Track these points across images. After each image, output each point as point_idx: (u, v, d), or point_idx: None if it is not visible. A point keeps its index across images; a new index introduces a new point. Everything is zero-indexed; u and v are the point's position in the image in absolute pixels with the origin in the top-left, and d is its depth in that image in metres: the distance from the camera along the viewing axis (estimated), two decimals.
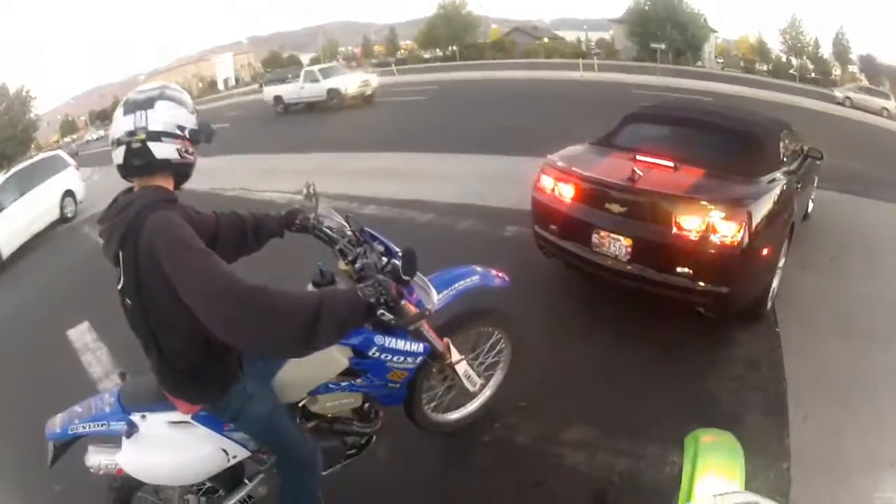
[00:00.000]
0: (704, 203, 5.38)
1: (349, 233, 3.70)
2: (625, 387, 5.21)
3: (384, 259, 3.52)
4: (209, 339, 2.75)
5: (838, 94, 35.34)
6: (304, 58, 77.16)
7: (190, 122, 2.80)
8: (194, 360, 2.85)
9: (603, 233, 5.97)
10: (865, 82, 41.93)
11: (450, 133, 20.31)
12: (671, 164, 5.91)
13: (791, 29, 52.85)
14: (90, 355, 8.46)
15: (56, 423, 3.57)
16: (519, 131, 18.29)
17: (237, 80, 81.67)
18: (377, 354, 3.61)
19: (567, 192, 6.42)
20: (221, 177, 15.54)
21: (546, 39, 69.22)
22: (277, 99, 36.24)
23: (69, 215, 18.49)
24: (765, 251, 5.68)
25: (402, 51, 73.02)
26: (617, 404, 4.98)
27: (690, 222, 5.41)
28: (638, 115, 7.47)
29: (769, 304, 6.23)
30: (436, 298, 3.63)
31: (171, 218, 2.61)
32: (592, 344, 5.92)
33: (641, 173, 5.78)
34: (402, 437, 4.57)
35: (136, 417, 3.38)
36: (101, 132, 53.94)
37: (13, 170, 19.05)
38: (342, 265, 3.60)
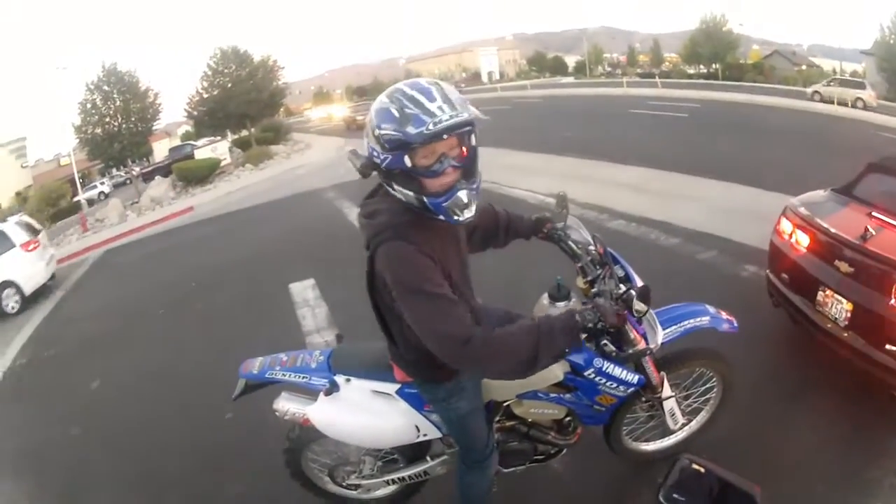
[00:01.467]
0: None
1: (593, 251, 3.68)
2: (799, 455, 5.02)
3: (622, 287, 3.41)
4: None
5: None
6: (569, 60, 77.63)
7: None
8: (424, 351, 2.84)
9: (829, 291, 5.54)
10: None
11: (706, 155, 19.77)
12: None
13: None
14: (307, 310, 9.23)
15: (255, 365, 3.98)
16: (771, 163, 17.52)
17: (501, 75, 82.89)
18: (592, 376, 3.64)
19: (803, 240, 6.09)
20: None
21: (804, 67, 66.97)
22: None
23: (10, 311, 16.08)
24: None
25: (667, 63, 72.33)
26: (784, 474, 4.69)
27: None
28: (880, 166, 6.75)
29: None
30: (660, 338, 3.61)
31: (402, 253, 2.67)
32: (794, 410, 5.62)
33: (874, 232, 5.38)
34: (583, 455, 4.60)
35: (340, 379, 3.70)
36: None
37: None
38: (580, 282, 3.67)
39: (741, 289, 8.23)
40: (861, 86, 43.62)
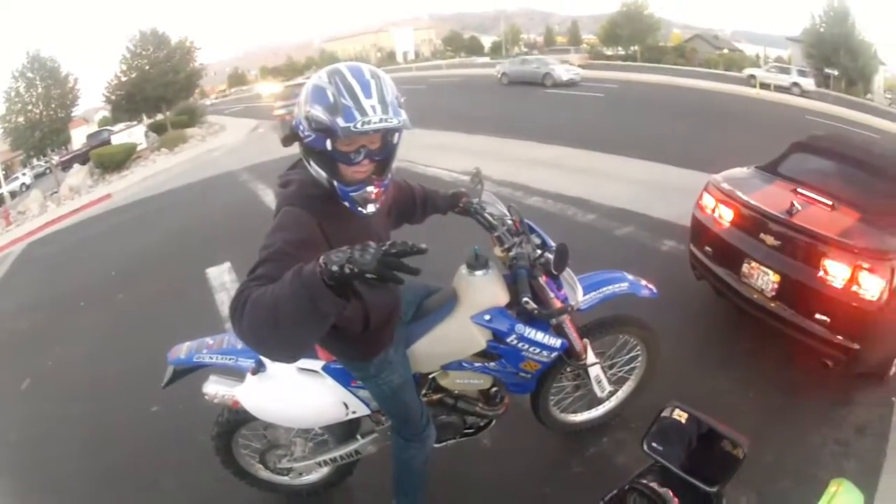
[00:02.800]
0: (852, 250, 5.11)
1: (509, 221, 3.81)
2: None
3: (538, 251, 3.62)
4: (369, 314, 3.05)
5: None
6: (486, 40, 77.74)
7: None
8: (353, 328, 2.96)
9: (753, 263, 5.84)
10: None
11: (623, 134, 19.98)
12: (830, 202, 5.76)
13: None
14: (225, 294, 9.16)
15: (182, 350, 3.93)
16: (690, 142, 18.21)
17: (416, 55, 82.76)
18: (515, 342, 3.73)
19: (726, 215, 6.34)
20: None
21: (726, 51, 67.93)
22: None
23: None
24: None
25: (585, 45, 72.74)
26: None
27: (836, 268, 5.19)
28: (806, 145, 7.16)
29: (893, 370, 5.76)
30: (581, 296, 3.84)
31: (294, 215, 2.65)
32: (722, 377, 5.84)
33: (800, 207, 5.65)
34: (511, 430, 4.70)
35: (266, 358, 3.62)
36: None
37: None
38: (498, 251, 3.75)
39: (661, 262, 8.50)
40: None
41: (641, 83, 40.74)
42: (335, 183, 2.69)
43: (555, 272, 3.48)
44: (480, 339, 3.70)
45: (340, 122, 2.49)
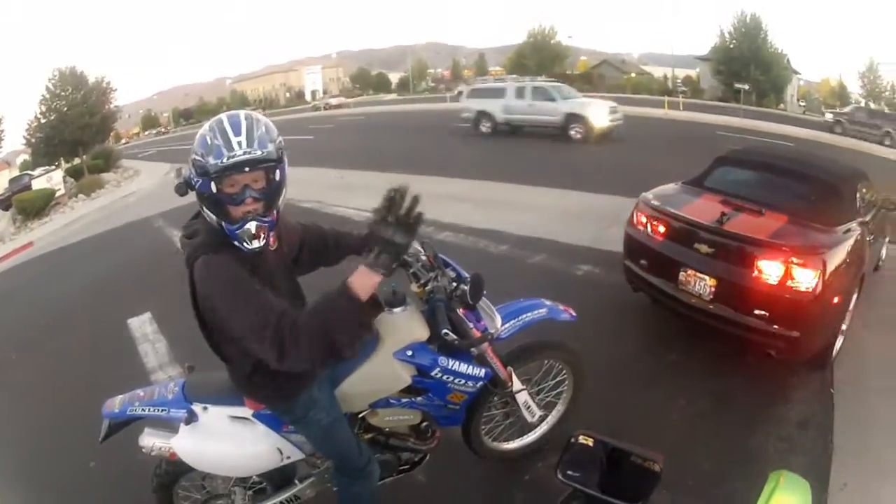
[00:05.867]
0: (785, 249, 5.76)
1: (423, 257, 3.84)
2: (673, 438, 5.30)
3: (454, 284, 3.74)
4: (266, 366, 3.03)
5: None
6: (393, 76, 77.90)
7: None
8: (261, 365, 2.95)
9: (690, 271, 6.39)
10: None
11: (531, 164, 20.74)
12: (757, 209, 6.39)
13: (869, 73, 52.43)
14: (148, 345, 8.97)
15: (115, 404, 3.89)
16: (602, 168, 18.79)
17: (325, 93, 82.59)
18: (439, 375, 3.82)
19: (659, 229, 6.87)
20: (299, 188, 14.41)
21: (633, 74, 69.04)
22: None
23: None
24: (835, 299, 5.98)
25: (491, 76, 73.24)
26: (667, 455, 4.90)
27: (771, 267, 5.80)
28: (728, 159, 7.92)
29: (835, 354, 6.48)
30: (499, 324, 3.92)
31: (216, 262, 2.86)
32: (652, 391, 6.08)
33: (729, 216, 6.26)
34: (446, 463, 4.69)
35: (197, 408, 3.68)
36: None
37: None
38: (415, 287, 3.84)
39: (578, 286, 8.82)
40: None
41: None
42: (223, 224, 2.88)
43: (471, 302, 3.65)
44: (405, 375, 3.77)
45: (211, 160, 2.75)
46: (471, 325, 3.69)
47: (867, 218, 7.15)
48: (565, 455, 2.58)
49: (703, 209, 6.63)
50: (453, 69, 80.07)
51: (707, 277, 6.28)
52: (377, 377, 3.76)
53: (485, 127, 30.30)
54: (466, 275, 3.83)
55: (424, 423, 4.13)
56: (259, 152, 2.79)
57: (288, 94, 79.66)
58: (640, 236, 7.19)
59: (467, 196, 15.83)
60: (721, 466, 4.89)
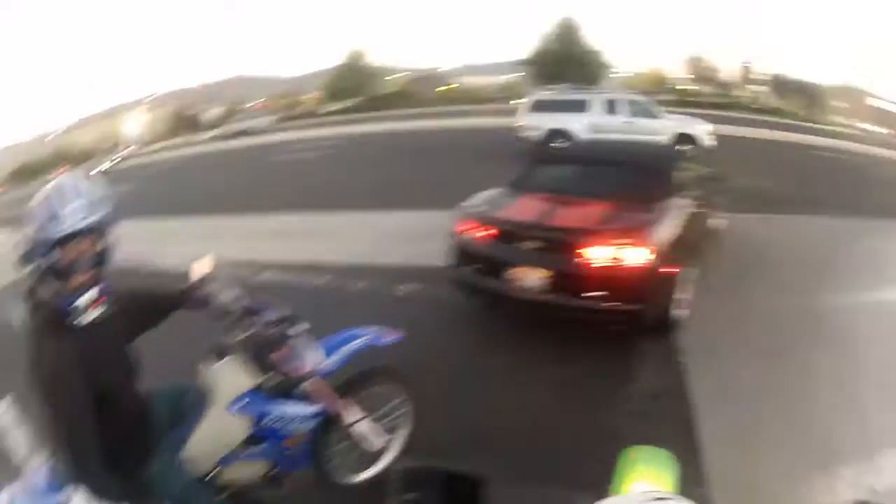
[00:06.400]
0: (611, 233, 6.07)
1: (240, 304, 3.80)
2: (528, 432, 5.30)
3: (271, 327, 3.73)
4: (104, 441, 2.96)
5: None
6: (208, 114, 76.69)
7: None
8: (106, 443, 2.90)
9: (518, 268, 6.52)
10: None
11: (347, 190, 20.13)
12: (578, 200, 6.68)
13: (696, 59, 54.46)
14: (13, 434, 8.61)
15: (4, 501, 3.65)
16: (418, 184, 18.72)
17: (145, 138, 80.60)
18: (273, 421, 3.79)
19: (482, 234, 6.95)
20: (122, 244, 14.39)
21: (449, 86, 69.69)
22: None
23: None
24: (669, 270, 6.42)
25: (306, 105, 72.72)
26: (520, 454, 4.97)
27: (601, 251, 6.02)
28: (543, 158, 8.21)
29: (678, 320, 6.84)
30: (319, 360, 3.92)
31: (50, 349, 2.78)
32: (497, 392, 6.04)
33: (552, 211, 6.51)
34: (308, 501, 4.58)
35: (63, 497, 3.35)
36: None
37: None
38: (236, 337, 3.77)
39: (400, 306, 8.68)
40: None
41: (364, 133, 40.68)
42: (58, 298, 2.78)
43: (289, 343, 3.64)
44: (242, 427, 3.74)
45: (41, 234, 2.67)
46: (293, 364, 3.69)
47: (694, 191, 7.59)
48: (394, 489, 2.24)
49: (525, 208, 6.84)
50: (267, 101, 79.56)
51: (537, 271, 6.41)
52: (216, 434, 3.66)
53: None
54: (282, 314, 3.82)
55: (274, 470, 4.03)
56: (87, 220, 2.72)
57: (111, 143, 77.66)
58: (466, 243, 7.22)
59: (284, 230, 15.18)
60: (580, 452, 4.86)
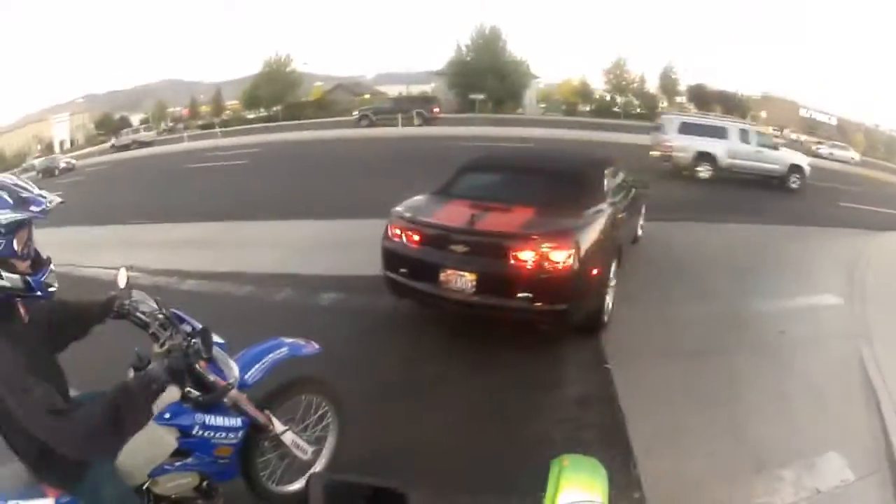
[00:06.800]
0: (537, 236, 6.37)
1: (160, 316, 3.78)
2: (452, 442, 5.28)
3: (189, 339, 3.58)
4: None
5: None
6: (134, 118, 75.04)
7: None
8: (43, 449, 2.86)
9: (449, 271, 6.79)
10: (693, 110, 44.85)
11: (269, 198, 20.56)
12: (505, 206, 6.99)
13: (615, 68, 55.10)
14: None
15: None
16: (336, 194, 19.25)
17: (72, 143, 78.56)
18: (200, 432, 3.75)
19: (413, 237, 7.23)
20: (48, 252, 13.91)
21: (367, 95, 69.49)
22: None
23: None
24: (594, 271, 6.80)
25: (228, 111, 71.95)
26: (447, 466, 4.93)
27: (527, 254, 6.34)
28: (471, 167, 8.47)
29: (605, 319, 7.27)
30: (236, 372, 3.81)
31: None
32: (421, 402, 6.07)
33: (479, 216, 6.72)
34: None
35: None
36: None
37: None
38: (156, 348, 3.67)
39: (323, 315, 8.68)
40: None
41: (283, 142, 40.00)
42: (29, 278, 2.83)
43: (205, 356, 3.54)
44: (170, 439, 3.66)
45: (27, 209, 2.72)
46: (213, 377, 3.61)
47: (617, 198, 8.06)
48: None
49: (453, 213, 7.10)
50: (191, 107, 78.47)
51: (466, 274, 6.71)
52: (145, 446, 3.57)
53: (705, 171, 24.54)
54: (199, 326, 3.78)
55: (205, 482, 3.99)
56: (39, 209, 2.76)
57: (39, 147, 75.70)
58: (396, 247, 7.47)
59: (205, 239, 15.35)
60: (506, 462, 4.86)
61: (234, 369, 3.77)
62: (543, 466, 3.44)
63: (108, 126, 75.41)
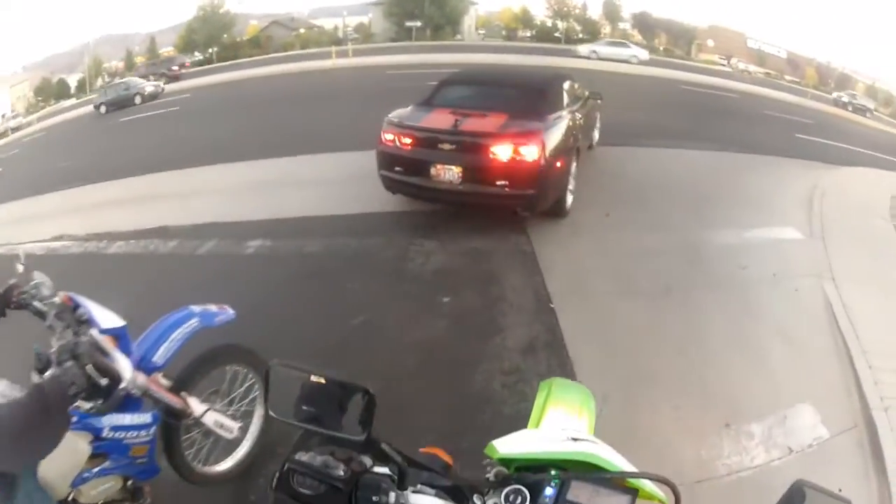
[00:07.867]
0: (511, 135, 8.16)
1: (59, 302, 3.43)
2: (390, 404, 3.97)
3: (84, 333, 3.23)
4: None
5: (582, 50, 40.43)
6: (72, 79, 73.26)
7: None
8: None
9: (439, 166, 8.42)
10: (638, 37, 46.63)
11: (197, 144, 19.42)
12: (482, 112, 8.61)
13: None
14: None
15: None
16: (266, 132, 18.78)
17: (13, 114, 76.27)
18: (111, 434, 3.53)
19: (405, 140, 8.77)
20: None
21: (302, 30, 68.87)
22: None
23: None
24: (558, 164, 8.47)
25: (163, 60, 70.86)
26: (387, 423, 3.84)
27: (503, 149, 8.09)
28: (450, 81, 10.28)
29: (567, 207, 8.99)
30: (128, 373, 3.29)
31: None
32: (350, 360, 5.68)
33: (462, 121, 8.37)
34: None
35: None
36: None
37: None
38: (55, 343, 3.26)
39: (248, 265, 8.59)
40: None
41: (215, 84, 39.28)
42: None
43: (103, 350, 3.23)
44: (83, 444, 3.47)
45: None
46: (111, 374, 3.22)
47: (575, 107, 9.92)
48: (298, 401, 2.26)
49: (438, 119, 8.71)
50: (126, 59, 77.00)
51: (454, 167, 8.37)
52: (59, 455, 3.07)
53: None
54: (95, 317, 3.44)
55: (130, 483, 3.87)
56: None
57: None
58: (390, 150, 9.00)
59: (131, 196, 14.50)
60: (451, 424, 4.74)
61: (127, 368, 3.29)
62: (488, 422, 4.18)
63: (48, 92, 73.03)
